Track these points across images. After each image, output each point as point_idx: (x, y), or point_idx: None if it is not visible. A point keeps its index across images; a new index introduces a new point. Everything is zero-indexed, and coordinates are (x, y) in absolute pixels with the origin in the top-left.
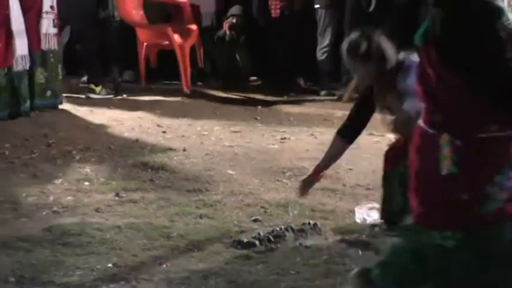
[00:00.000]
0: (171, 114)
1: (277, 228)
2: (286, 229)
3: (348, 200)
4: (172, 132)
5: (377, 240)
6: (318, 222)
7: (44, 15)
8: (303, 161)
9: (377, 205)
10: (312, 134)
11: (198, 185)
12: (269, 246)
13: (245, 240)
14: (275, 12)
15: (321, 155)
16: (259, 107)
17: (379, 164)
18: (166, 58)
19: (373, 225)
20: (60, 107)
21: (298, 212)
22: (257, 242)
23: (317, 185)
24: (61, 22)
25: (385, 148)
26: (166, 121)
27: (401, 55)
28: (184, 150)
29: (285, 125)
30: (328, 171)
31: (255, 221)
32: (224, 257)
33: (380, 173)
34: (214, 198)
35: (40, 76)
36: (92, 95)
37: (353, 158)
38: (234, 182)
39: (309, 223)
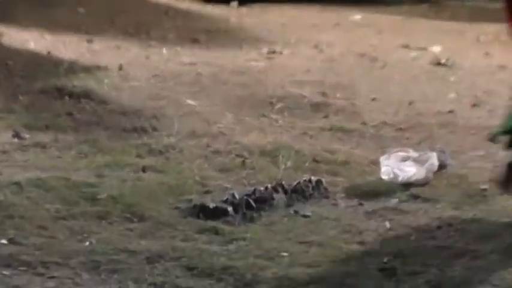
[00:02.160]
0: (100, 13)
1: (261, 188)
2: (275, 189)
3: (369, 146)
4: (102, 41)
5: (414, 207)
6: (323, 180)
7: None
8: (302, 87)
9: (414, 153)
10: (316, 46)
11: (141, 121)
12: (248, 215)
13: (212, 205)
14: None
15: (330, 77)
16: (235, 2)
17: (418, 90)
18: None
19: (407, 185)
20: None
21: (294, 164)
22: (230, 209)
23: (323, 122)
24: None
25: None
26: (93, 27)
27: None
28: (120, 69)
29: (275, 33)
30: (341, 102)
31: (228, 176)
32: (179, 230)
33: (420, 104)
34: (166, 142)
35: None
36: None
37: (378, 81)
38: (195, 117)
39: (310, 180)
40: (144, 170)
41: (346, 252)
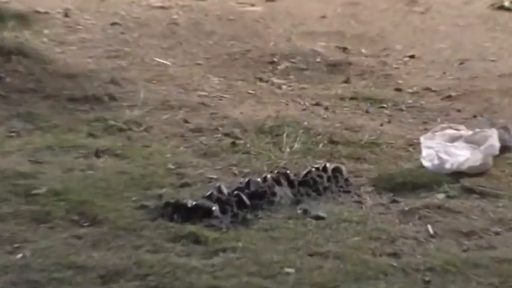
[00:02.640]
0: None
1: (258, 180)
2: (277, 181)
3: (406, 121)
4: None
5: (467, 205)
6: (343, 168)
7: None
8: (314, 40)
9: (467, 131)
10: None
11: (94, 88)
12: (240, 217)
13: (190, 203)
14: None
15: (353, 27)
16: None
17: (472, 45)
18: None
19: (457, 174)
20: None
21: (303, 146)
22: (215, 208)
23: (343, 89)
24: None
25: None
26: None
27: None
28: (66, 15)
29: None
30: (368, 61)
31: (213, 163)
32: (146, 238)
33: (475, 64)
34: (128, 115)
35: None
36: None
37: (418, 32)
38: (168, 81)
39: (324, 169)
40: (98, 154)
41: (374, 267)
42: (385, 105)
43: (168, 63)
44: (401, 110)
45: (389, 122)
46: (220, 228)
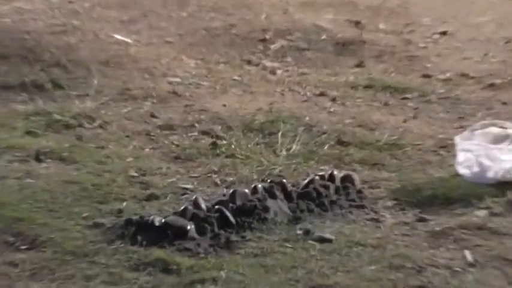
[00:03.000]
0: None
1: (245, 191)
2: (270, 192)
3: (437, 117)
4: None
5: None
6: (355, 175)
7: None
8: (317, 12)
9: None
10: None
11: (34, 72)
12: (223, 239)
13: (158, 220)
14: None
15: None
16: None
17: None
18: None
19: (503, 184)
20: None
21: (303, 148)
22: (191, 227)
23: (355, 75)
24: None
25: None
26: None
27: None
28: None
29: None
30: (387, 38)
31: (188, 169)
32: (100, 265)
33: None
34: (78, 108)
35: None
36: None
37: (450, 1)
38: (130, 64)
39: (331, 177)
40: (38, 157)
41: None
42: (409, 96)
43: (129, 41)
44: (430, 102)
45: (414, 117)
46: (197, 253)
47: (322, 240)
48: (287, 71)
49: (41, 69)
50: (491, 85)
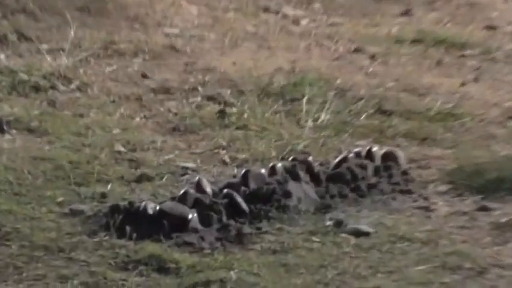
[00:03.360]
0: None
1: (261, 171)
2: (292, 173)
3: (502, 78)
4: None
5: None
6: (400, 153)
7: None
8: None
9: None
10: None
11: None
12: (233, 230)
13: (151, 207)
14: None
15: None
16: None
17: None
18: None
19: None
20: None
21: (333, 117)
22: (192, 215)
23: (398, 27)
24: None
25: None
26: None
27: None
28: None
29: None
30: None
31: (189, 144)
32: (79, 262)
33: None
34: (50, 65)
35: None
36: None
37: None
38: (116, 10)
39: (369, 154)
40: (1, 127)
41: None
42: (468, 53)
43: None
44: (495, 60)
45: (475, 80)
46: (201, 248)
47: (358, 233)
48: (314, 20)
49: (3, 16)
50: None
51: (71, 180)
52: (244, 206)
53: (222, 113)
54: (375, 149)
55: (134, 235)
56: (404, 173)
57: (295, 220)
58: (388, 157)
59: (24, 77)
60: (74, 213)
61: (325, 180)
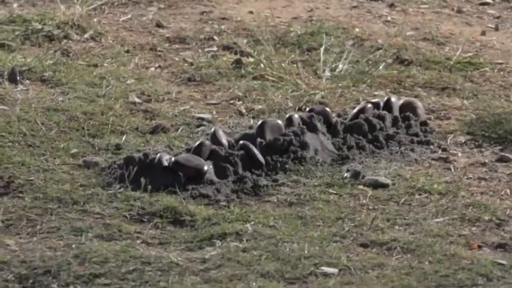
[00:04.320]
0: None
1: (278, 122)
2: (309, 124)
3: None
4: None
5: None
6: (419, 103)
7: None
8: None
9: None
10: None
11: None
12: (250, 183)
13: (166, 159)
14: None
15: None
16: None
17: None
18: None
19: None
20: None
21: (351, 66)
22: (207, 167)
23: None
24: None
25: None
26: None
27: None
28: None
29: None
30: None
31: (200, 93)
32: (93, 215)
33: None
34: (63, 14)
35: None
36: None
37: None
38: None
39: (388, 104)
40: (14, 78)
41: (470, 267)
42: (489, 1)
43: None
44: None
45: (496, 28)
46: (217, 200)
47: (376, 185)
48: None
49: None
50: None
51: (85, 132)
52: (260, 157)
53: (238, 63)
54: (393, 99)
55: (149, 187)
56: (423, 123)
57: (312, 172)
58: (407, 107)
59: (38, 26)
60: (88, 164)
61: (343, 131)
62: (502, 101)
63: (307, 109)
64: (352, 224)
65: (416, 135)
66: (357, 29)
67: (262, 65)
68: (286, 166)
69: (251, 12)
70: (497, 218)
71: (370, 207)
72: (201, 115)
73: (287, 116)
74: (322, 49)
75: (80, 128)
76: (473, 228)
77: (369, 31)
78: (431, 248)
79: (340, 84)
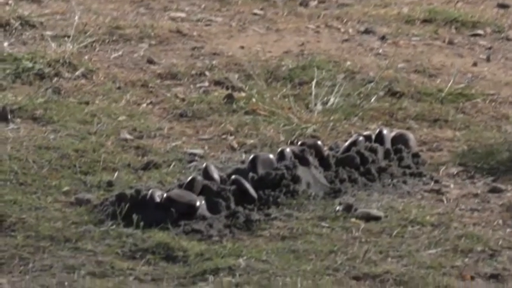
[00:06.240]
0: None
1: (270, 157)
2: (301, 158)
3: None
4: None
5: None
6: (410, 135)
7: None
8: None
9: None
10: None
11: None
12: (242, 217)
13: (158, 195)
14: None
15: None
16: None
17: None
18: None
19: None
20: None
21: (343, 100)
22: (200, 202)
23: (409, 6)
24: None
25: None
26: None
27: None
28: None
29: None
30: None
31: (194, 129)
32: (85, 252)
33: None
34: (55, 53)
35: None
36: None
37: None
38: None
39: (379, 137)
40: (5, 116)
41: None
42: (480, 32)
43: None
44: (508, 39)
45: (487, 59)
46: (209, 236)
47: (368, 217)
48: (323, 2)
49: (5, 2)
50: None
51: (76, 169)
52: (252, 192)
53: (229, 98)
54: (384, 131)
55: (141, 223)
56: (415, 155)
57: (305, 205)
58: (399, 140)
59: (28, 64)
60: (80, 202)
61: (335, 164)
62: (493, 132)
63: (299, 143)
64: (345, 257)
65: (409, 167)
66: (348, 62)
67: (253, 100)
68: (279, 200)
69: (242, 47)
70: (490, 249)
71: (363, 240)
72: (193, 150)
73: (279, 150)
74: (313, 83)
75: (72, 165)
76: (466, 260)
77: (360, 64)
78: (424, 280)
79: (331, 118)
